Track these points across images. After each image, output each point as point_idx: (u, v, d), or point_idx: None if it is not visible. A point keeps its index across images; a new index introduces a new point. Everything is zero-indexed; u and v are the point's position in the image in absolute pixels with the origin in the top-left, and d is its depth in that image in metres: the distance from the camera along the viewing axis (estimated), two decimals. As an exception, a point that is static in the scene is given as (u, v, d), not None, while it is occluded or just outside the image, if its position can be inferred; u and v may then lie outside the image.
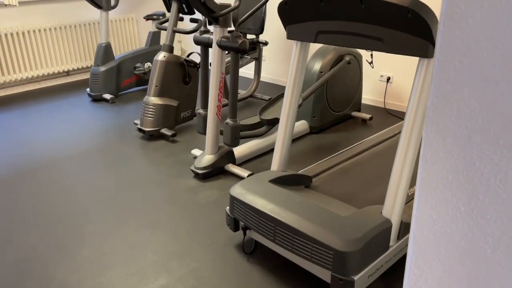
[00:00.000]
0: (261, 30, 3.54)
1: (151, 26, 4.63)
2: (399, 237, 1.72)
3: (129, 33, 4.91)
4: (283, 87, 4.36)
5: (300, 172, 2.15)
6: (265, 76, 4.53)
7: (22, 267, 1.88)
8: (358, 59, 3.31)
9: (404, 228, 1.74)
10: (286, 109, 1.97)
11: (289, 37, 1.86)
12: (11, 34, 4.04)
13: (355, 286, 1.52)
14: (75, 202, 2.35)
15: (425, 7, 1.38)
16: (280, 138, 2.00)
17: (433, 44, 1.41)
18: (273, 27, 4.25)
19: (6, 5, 3.20)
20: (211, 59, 2.57)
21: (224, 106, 3.51)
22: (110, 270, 1.85)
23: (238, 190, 1.83)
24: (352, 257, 1.50)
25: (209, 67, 3.26)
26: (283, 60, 4.36)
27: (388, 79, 3.63)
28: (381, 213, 1.66)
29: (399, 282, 1.76)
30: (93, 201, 2.35)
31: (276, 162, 2.01)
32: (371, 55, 3.12)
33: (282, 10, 1.80)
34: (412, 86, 1.52)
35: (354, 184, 2.11)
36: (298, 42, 1.89)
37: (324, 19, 1.69)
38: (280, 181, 1.91)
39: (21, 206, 2.33)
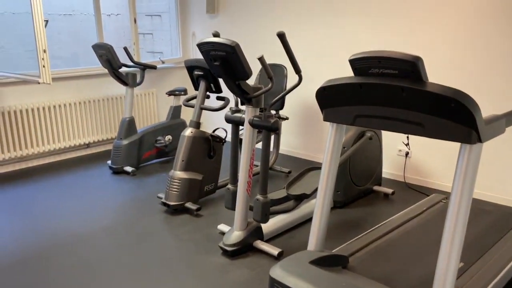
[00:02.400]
0: (281, 106, 3.69)
1: (172, 101, 4.83)
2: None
3: (150, 107, 5.09)
4: (300, 160, 4.44)
5: (335, 251, 2.13)
6: (282, 149, 4.63)
7: None
8: (378, 134, 3.41)
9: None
10: (322, 189, 2.01)
11: (326, 119, 1.94)
12: (37, 109, 4.20)
13: None
14: (100, 280, 2.31)
15: (467, 97, 1.47)
16: (317, 217, 2.01)
17: (477, 131, 1.48)
18: (291, 102, 4.42)
19: (40, 83, 3.37)
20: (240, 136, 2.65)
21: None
22: None
23: (279, 272, 1.81)
24: None
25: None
26: (299, 133, 4.48)
27: (407, 154, 3.70)
28: (429, 297, 1.63)
29: None
30: (119, 279, 2.32)
31: (314, 242, 2.01)
32: (408, 137, 3.21)
33: (320, 95, 1.89)
34: (456, 170, 1.56)
35: (392, 264, 2.08)
36: (334, 124, 1.97)
37: (363, 104, 1.77)
38: (320, 262, 1.90)
39: (45, 285, 2.29)
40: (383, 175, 3.86)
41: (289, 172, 3.99)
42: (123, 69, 4.23)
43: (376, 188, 3.48)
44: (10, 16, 4.12)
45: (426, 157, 3.62)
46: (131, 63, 4.23)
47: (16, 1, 3.73)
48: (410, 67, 1.54)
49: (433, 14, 3.35)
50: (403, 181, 3.75)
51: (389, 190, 3.42)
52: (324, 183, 2.00)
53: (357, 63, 1.71)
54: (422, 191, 3.52)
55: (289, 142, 4.60)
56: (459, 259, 1.61)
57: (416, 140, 3.64)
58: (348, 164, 3.18)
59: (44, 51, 3.25)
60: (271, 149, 4.32)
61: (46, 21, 3.26)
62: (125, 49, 4.17)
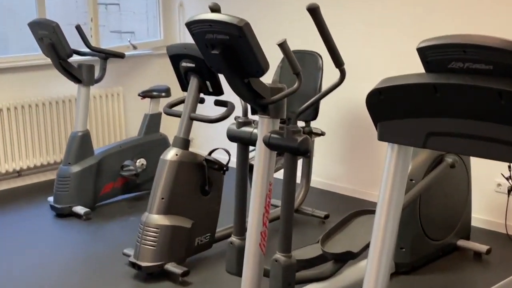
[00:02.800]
0: (314, 115, 3.69)
1: (147, 106, 4.86)
2: None
3: (114, 116, 5.16)
4: (343, 197, 4.42)
5: None
6: (315, 180, 4.61)
7: None
8: (464, 160, 3.39)
9: None
10: (377, 244, 2.00)
11: (383, 137, 1.94)
12: None
13: None
14: None
15: None
16: (372, 281, 2.00)
17: None
18: (329, 110, 4.43)
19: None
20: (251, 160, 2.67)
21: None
22: None
23: None
24: None
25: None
26: (342, 157, 4.47)
27: (510, 190, 3.66)
28: None
29: None
30: None
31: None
32: (509, 166, 3.19)
33: (373, 102, 1.90)
34: None
35: None
36: (395, 146, 1.96)
37: (439, 116, 1.77)
38: None
39: None
40: (473, 223, 3.80)
41: (326, 217, 3.97)
42: (74, 58, 4.28)
43: (462, 243, 3.44)
44: None
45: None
46: (86, 50, 4.30)
47: None
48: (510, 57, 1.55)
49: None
50: (504, 232, 3.70)
51: (483, 247, 3.38)
52: (381, 236, 1.99)
53: (430, 54, 1.72)
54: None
55: (327, 170, 4.59)
56: None
57: (523, 170, 3.60)
58: (418, 205, 3.15)
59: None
60: (298, 181, 4.32)
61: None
62: (78, 28, 4.24)
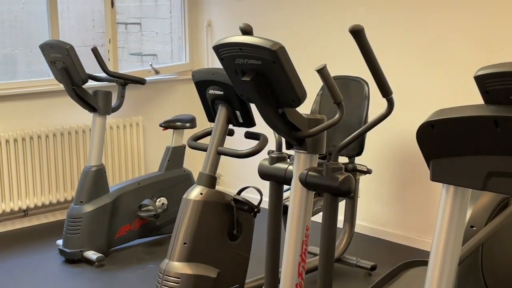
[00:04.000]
0: (359, 151, 3.69)
1: (170, 138, 4.91)
2: None
3: (131, 148, 5.23)
4: (393, 245, 4.37)
5: None
6: (360, 225, 4.59)
7: None
8: (534, 205, 3.35)
9: None
10: (431, 301, 1.98)
11: (436, 177, 1.94)
12: None
13: None
14: None
15: None
16: None
17: None
18: (376, 145, 4.42)
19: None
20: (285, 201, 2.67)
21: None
22: None
23: None
24: None
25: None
26: (391, 199, 4.44)
27: None
28: None
29: None
30: None
31: None
32: None
33: (425, 136, 1.90)
34: None
35: None
36: (451, 187, 1.95)
37: (501, 154, 1.76)
38: None
39: None
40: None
41: (373, 269, 3.92)
42: (90, 84, 4.35)
43: (532, 302, 3.37)
44: None
45: None
46: (103, 75, 4.38)
47: None
48: None
49: None
50: None
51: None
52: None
53: (489, 83, 1.72)
54: None
55: (373, 213, 4.56)
56: None
57: None
58: (481, 256, 3.11)
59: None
60: (340, 225, 4.31)
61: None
62: (95, 50, 4.33)
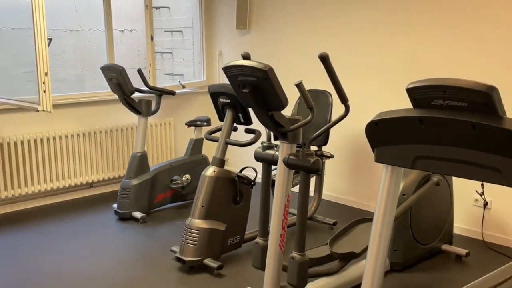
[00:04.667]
0: (325, 141, 3.70)
1: (192, 132, 4.92)
2: None
3: (166, 140, 5.23)
4: (348, 208, 4.39)
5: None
6: (325, 194, 4.59)
7: None
8: (447, 179, 3.36)
9: None
10: (375, 247, 1.98)
11: (378, 160, 1.94)
12: (35, 141, 4.39)
13: None
14: None
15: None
16: (367, 283, 1.98)
17: None
18: (337, 137, 4.43)
19: (39, 110, 3.53)
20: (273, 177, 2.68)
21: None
22: None
23: None
24: None
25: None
26: (347, 175, 4.45)
27: (486, 204, 3.60)
28: None
29: None
30: None
31: (364, 315, 1.97)
32: (482, 185, 3.16)
33: (371, 131, 1.90)
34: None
35: None
36: (389, 167, 1.96)
37: (425, 143, 1.76)
38: None
39: None
40: (455, 231, 3.74)
41: (334, 224, 3.94)
42: (136, 95, 4.37)
43: (445, 247, 3.39)
44: (9, 32, 4.38)
45: (508, 207, 3.51)
46: (145, 88, 4.38)
47: (17, 16, 3.95)
48: (483, 99, 1.54)
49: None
50: (480, 239, 3.64)
51: (463, 251, 3.32)
52: (377, 240, 1.98)
53: (416, 93, 1.72)
54: (505, 253, 3.39)
55: (335, 185, 4.57)
56: None
57: (498, 188, 3.55)
58: (409, 215, 3.12)
59: (46, 74, 3.41)
60: (311, 194, 4.31)
61: (50, 39, 3.44)
62: (139, 71, 4.33)
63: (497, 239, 3.58)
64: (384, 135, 1.85)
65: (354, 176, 4.43)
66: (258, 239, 2.76)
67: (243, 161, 5.24)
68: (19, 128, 4.37)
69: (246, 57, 2.75)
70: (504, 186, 3.47)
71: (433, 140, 1.73)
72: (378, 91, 4.14)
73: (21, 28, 3.89)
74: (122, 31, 5.41)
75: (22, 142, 4.32)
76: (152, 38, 5.09)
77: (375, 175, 4.29)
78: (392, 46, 4.01)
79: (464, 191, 3.71)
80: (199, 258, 3.15)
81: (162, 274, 3.14)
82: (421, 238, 3.23)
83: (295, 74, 4.63)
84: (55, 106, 4.53)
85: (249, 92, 2.39)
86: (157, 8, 5.52)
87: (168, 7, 5.57)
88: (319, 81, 4.32)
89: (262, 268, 2.71)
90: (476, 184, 3.64)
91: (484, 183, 3.59)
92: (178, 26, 5.65)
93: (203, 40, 5.49)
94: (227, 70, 2.45)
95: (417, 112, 1.72)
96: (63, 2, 4.99)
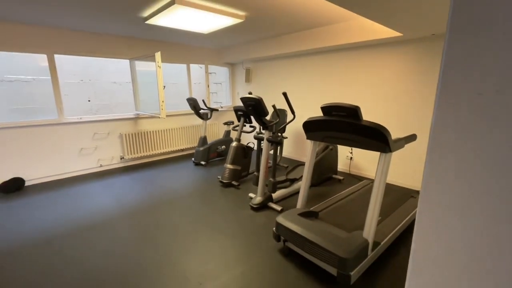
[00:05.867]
0: (283, 131, 3.69)
1: (225, 127, 4.88)
2: (372, 249, 1.64)
3: (214, 131, 5.16)
4: (294, 161, 4.38)
5: (311, 209, 2.12)
6: (284, 154, 4.60)
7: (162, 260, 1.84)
8: (336, 147, 3.36)
9: (375, 244, 1.66)
10: (305, 175, 2.00)
11: (308, 138, 1.94)
12: (158, 131, 4.32)
13: (351, 278, 1.44)
14: (188, 217, 2.36)
15: (383, 127, 1.46)
16: (302, 190, 2.01)
17: (389, 146, 1.47)
18: (289, 130, 4.40)
19: (159, 117, 3.49)
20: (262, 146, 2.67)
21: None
22: (192, 258, 1.80)
23: (281, 219, 1.82)
24: (349, 261, 1.44)
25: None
26: (293, 146, 4.45)
27: (351, 158, 3.63)
28: (363, 235, 1.61)
29: (374, 276, 1.64)
30: (196, 219, 2.35)
31: (300, 204, 2.00)
32: (351, 149, 3.15)
33: (305, 126, 1.91)
34: (377, 167, 1.55)
35: (342, 217, 2.05)
36: (312, 141, 1.97)
37: (328, 130, 1.78)
38: (303, 214, 1.90)
39: (157, 225, 2.35)
40: (338, 169, 3.79)
41: (287, 167, 3.94)
42: (201, 111, 4.31)
43: (334, 176, 3.40)
44: (145, 84, 4.26)
45: (361, 160, 3.55)
46: (205, 107, 4.32)
47: (149, 75, 3.84)
48: (353, 111, 1.56)
49: (369, 83, 3.31)
50: (348, 172, 3.67)
51: (341, 177, 3.34)
52: (306, 172, 2.01)
53: (325, 109, 1.73)
54: (359, 178, 3.43)
55: (288, 149, 4.55)
56: (378, 214, 1.59)
57: (357, 151, 3.57)
58: (319, 162, 3.15)
59: (163, 101, 3.36)
60: (278, 153, 4.33)
61: (164, 87, 3.38)
62: (203, 100, 4.27)
63: (356, 172, 3.59)
64: (310, 127, 1.86)
65: (297, 146, 4.41)
66: (255, 173, 2.77)
67: (248, 140, 5.24)
68: (152, 124, 4.28)
69: (250, 93, 2.71)
70: (359, 150, 3.50)
71: (332, 129, 1.74)
72: (308, 108, 4.07)
73: (150, 82, 3.79)
74: (195, 83, 5.29)
75: (153, 131, 4.25)
76: (208, 86, 4.98)
77: (304, 145, 4.27)
78: (317, 87, 3.94)
79: (343, 153, 3.72)
80: (229, 181, 3.15)
81: (213, 187, 3.13)
82: (323, 171, 3.25)
83: (272, 100, 4.57)
84: (167, 116, 4.46)
85: (251, 108, 2.37)
86: (210, 73, 5.41)
87: (215, 72, 5.46)
88: (282, 104, 4.28)
89: (257, 185, 2.72)
90: (348, 149, 3.65)
91: (352, 149, 3.61)
92: (219, 80, 5.54)
93: (230, 87, 5.38)
94: (242, 99, 2.43)
95: (325, 117, 1.72)
96: (171, 70, 4.85)
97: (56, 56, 3.31)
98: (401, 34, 2.57)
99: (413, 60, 2.85)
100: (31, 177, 3.25)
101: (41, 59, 3.53)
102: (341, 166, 3.77)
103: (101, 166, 3.82)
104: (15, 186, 3.01)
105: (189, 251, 1.87)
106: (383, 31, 2.69)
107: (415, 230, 0.57)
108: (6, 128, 3.05)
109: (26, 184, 3.19)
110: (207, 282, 1.60)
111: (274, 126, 2.53)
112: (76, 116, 3.69)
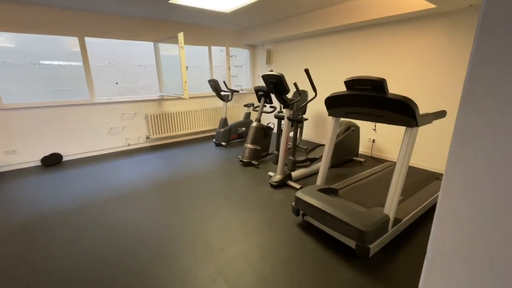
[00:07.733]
0: (304, 112, 3.63)
1: (246, 109, 4.89)
2: (393, 226, 1.63)
3: (235, 113, 5.18)
4: (314, 143, 4.33)
5: (332, 186, 2.13)
6: (304, 136, 4.56)
7: (190, 227, 1.94)
8: (357, 129, 3.27)
9: (395, 221, 1.65)
10: (325, 156, 1.99)
11: (330, 114, 1.91)
12: (182, 112, 4.42)
13: (370, 251, 1.45)
14: (209, 192, 2.45)
15: (411, 100, 1.40)
16: (322, 170, 2.00)
17: (416, 120, 1.41)
18: (310, 110, 4.33)
19: (183, 98, 3.57)
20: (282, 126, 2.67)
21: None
22: (214, 228, 1.87)
23: (300, 194, 1.85)
24: (368, 234, 1.45)
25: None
26: (313, 127, 4.38)
27: (373, 140, 3.52)
28: (383, 211, 1.60)
29: (392, 252, 1.64)
30: (217, 194, 2.44)
31: (320, 180, 2.01)
32: (375, 125, 3.05)
33: (326, 101, 1.87)
34: (401, 145, 1.50)
35: (362, 195, 2.04)
36: (334, 118, 1.93)
37: (351, 106, 1.74)
38: (322, 190, 1.91)
39: (180, 198, 2.47)
40: (360, 151, 3.70)
41: (307, 149, 3.91)
42: (222, 92, 4.32)
43: (355, 158, 3.34)
44: (170, 67, 4.34)
45: (384, 142, 3.43)
46: (226, 89, 4.34)
47: (172, 59, 3.90)
48: (379, 84, 1.50)
49: (396, 57, 3.13)
50: (370, 155, 3.57)
51: (362, 159, 3.28)
52: (327, 153, 1.99)
53: (347, 83, 1.68)
54: (380, 161, 3.33)
55: (308, 132, 4.50)
56: (400, 190, 1.56)
57: (380, 134, 3.44)
58: (340, 143, 3.09)
59: (185, 82, 3.43)
60: (298, 135, 4.30)
61: (187, 67, 3.44)
62: (224, 82, 4.29)
63: (377, 155, 3.49)
64: (333, 102, 1.83)
65: (317, 127, 4.34)
66: (275, 152, 2.79)
67: (268, 119, 5.22)
68: (175, 106, 4.37)
69: (271, 71, 2.68)
70: (382, 133, 3.37)
71: (355, 104, 1.69)
72: (331, 84, 3.95)
73: (173, 65, 3.84)
74: (216, 66, 5.28)
75: (177, 113, 4.35)
76: (229, 68, 4.96)
77: (326, 126, 4.18)
78: (338, 68, 3.80)
79: (365, 135, 3.62)
80: (249, 160, 3.19)
81: (233, 166, 3.18)
82: (344, 153, 3.20)
83: (294, 78, 4.47)
84: (190, 97, 4.54)
85: (273, 87, 2.36)
86: (231, 55, 5.36)
87: (235, 55, 5.41)
88: (303, 85, 4.20)
89: (276, 163, 2.75)
90: (370, 132, 3.54)
91: (376, 128, 3.49)
92: (240, 63, 5.49)
93: (251, 69, 5.32)
94: (263, 76, 2.41)
95: (348, 92, 1.68)
96: (193, 53, 4.89)
97: (86, 39, 3.46)
98: (434, 6, 2.35)
99: (444, 37, 2.60)
100: (68, 153, 3.53)
101: (74, 45, 3.71)
102: (363, 148, 3.67)
103: (128, 145, 4.04)
104: (55, 160, 3.28)
105: (211, 222, 1.97)
106: (414, 3, 2.47)
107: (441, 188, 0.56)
108: (45, 107, 3.30)
109: (64, 159, 3.47)
110: (228, 249, 1.69)
111: (295, 104, 2.50)
112: (106, 97, 3.88)
